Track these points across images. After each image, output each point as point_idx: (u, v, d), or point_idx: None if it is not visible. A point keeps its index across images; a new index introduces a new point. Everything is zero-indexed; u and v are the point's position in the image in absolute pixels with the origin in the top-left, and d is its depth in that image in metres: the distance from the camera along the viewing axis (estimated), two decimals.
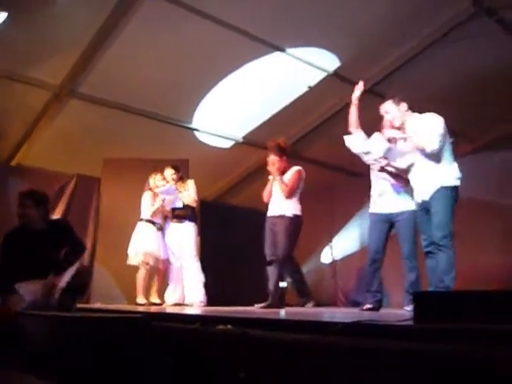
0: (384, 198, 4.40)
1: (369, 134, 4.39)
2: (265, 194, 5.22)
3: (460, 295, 2.07)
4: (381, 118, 4.16)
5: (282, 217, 5.04)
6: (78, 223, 6.48)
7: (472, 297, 1.91)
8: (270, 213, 5.18)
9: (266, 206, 5.23)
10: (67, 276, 3.77)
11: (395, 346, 1.50)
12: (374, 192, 4.51)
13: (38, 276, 3.70)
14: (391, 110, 4.00)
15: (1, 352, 2.74)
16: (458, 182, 3.77)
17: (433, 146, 3.71)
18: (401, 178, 4.29)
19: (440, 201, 3.70)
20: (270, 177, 5.25)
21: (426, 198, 3.81)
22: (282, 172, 5.13)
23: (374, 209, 4.48)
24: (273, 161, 5.13)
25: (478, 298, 1.87)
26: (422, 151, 3.79)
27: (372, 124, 4.40)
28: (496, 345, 1.36)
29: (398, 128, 4.00)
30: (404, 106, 3.97)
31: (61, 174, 7.00)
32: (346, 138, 4.42)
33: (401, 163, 4.11)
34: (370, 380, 1.47)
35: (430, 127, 3.78)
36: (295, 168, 5.17)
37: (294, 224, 5.05)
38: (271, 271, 5.01)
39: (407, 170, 4.04)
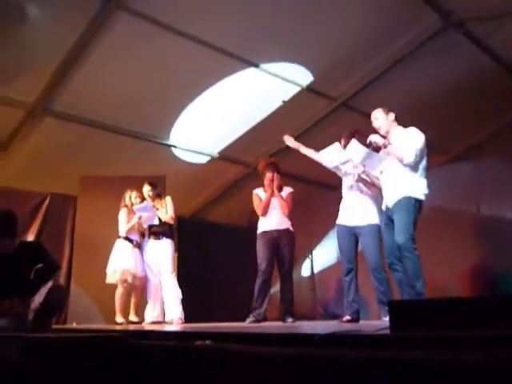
0: (350, 211, 4.48)
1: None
2: (261, 208, 5.19)
3: (435, 302, 2.08)
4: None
5: (287, 230, 5.14)
6: (53, 243, 6.39)
7: (447, 304, 1.92)
8: (269, 226, 5.13)
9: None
10: (40, 296, 3.69)
11: (372, 356, 1.50)
12: (342, 203, 4.60)
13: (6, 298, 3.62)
14: (379, 118, 4.11)
15: None
16: (423, 197, 3.87)
17: (409, 159, 3.82)
18: (373, 186, 4.37)
19: (403, 209, 3.81)
20: (257, 191, 5.25)
21: (390, 205, 3.91)
22: (280, 189, 5.23)
23: (340, 220, 4.56)
24: (273, 177, 5.20)
25: (452, 304, 1.89)
26: (399, 161, 3.88)
27: None
28: (472, 351, 1.37)
29: (383, 137, 4.08)
30: (392, 115, 4.09)
31: (34, 194, 6.91)
32: (321, 156, 4.48)
33: (377, 171, 4.19)
34: None
35: (410, 141, 3.89)
36: (289, 189, 5.27)
37: (295, 238, 5.22)
38: (266, 286, 5.02)
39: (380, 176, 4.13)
